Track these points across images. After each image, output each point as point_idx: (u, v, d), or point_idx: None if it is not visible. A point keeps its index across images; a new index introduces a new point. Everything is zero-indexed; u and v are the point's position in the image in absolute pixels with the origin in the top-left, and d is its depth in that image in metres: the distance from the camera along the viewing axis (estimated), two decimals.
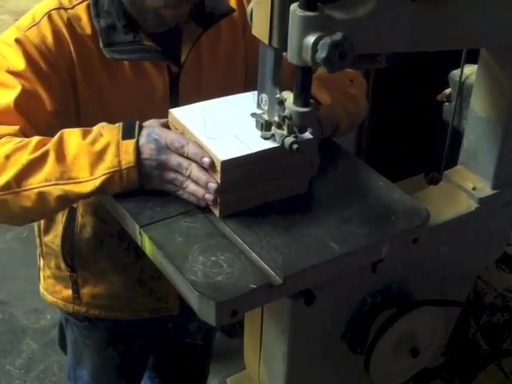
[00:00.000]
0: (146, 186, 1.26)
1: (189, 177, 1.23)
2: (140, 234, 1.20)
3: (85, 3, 1.46)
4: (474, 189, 1.42)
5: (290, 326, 1.24)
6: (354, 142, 3.13)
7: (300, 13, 1.02)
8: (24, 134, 1.34)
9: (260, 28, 1.10)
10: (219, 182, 1.19)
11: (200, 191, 1.22)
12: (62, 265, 1.66)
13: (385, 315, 1.32)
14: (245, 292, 1.06)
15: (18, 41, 1.41)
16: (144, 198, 1.25)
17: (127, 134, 1.26)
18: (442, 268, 1.42)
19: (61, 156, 1.25)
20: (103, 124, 1.30)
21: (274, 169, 1.23)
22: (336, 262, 1.15)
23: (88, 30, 1.45)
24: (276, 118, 1.20)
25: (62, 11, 1.44)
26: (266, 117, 1.22)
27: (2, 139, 1.31)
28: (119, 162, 1.23)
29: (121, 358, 1.91)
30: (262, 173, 1.22)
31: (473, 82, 1.44)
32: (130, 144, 1.24)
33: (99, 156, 1.24)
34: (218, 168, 1.18)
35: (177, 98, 1.53)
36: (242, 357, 1.44)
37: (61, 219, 1.61)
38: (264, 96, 1.21)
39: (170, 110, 1.30)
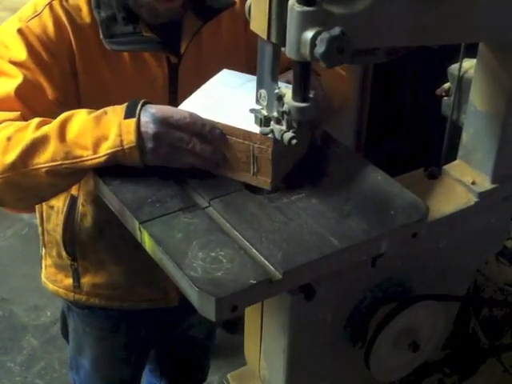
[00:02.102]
0: (147, 162, 1.28)
1: (190, 149, 1.26)
2: (139, 230, 1.20)
3: None
4: (473, 183, 1.42)
5: (290, 321, 1.24)
6: (354, 136, 3.13)
7: (298, 8, 1.02)
8: (24, 119, 1.36)
9: (258, 23, 1.10)
10: (271, 158, 1.23)
11: (198, 161, 1.27)
12: (63, 253, 1.69)
13: (385, 310, 1.32)
14: (244, 287, 1.06)
15: (20, 31, 1.43)
16: (143, 194, 1.25)
17: (129, 113, 1.27)
18: (441, 262, 1.43)
19: (63, 135, 1.28)
20: (110, 107, 1.32)
21: (302, 132, 1.25)
22: (336, 256, 1.15)
23: (88, 21, 1.46)
24: (275, 114, 1.19)
25: (64, 1, 1.46)
26: (264, 112, 1.22)
27: (3, 124, 1.34)
28: (121, 141, 1.25)
29: (121, 348, 1.93)
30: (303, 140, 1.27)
31: (472, 76, 1.44)
32: (131, 123, 1.26)
33: (102, 134, 1.27)
34: (271, 146, 1.22)
35: (176, 89, 1.54)
36: (243, 353, 1.44)
37: (62, 208, 1.63)
38: (263, 91, 1.21)
39: (185, 101, 1.33)
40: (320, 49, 1.00)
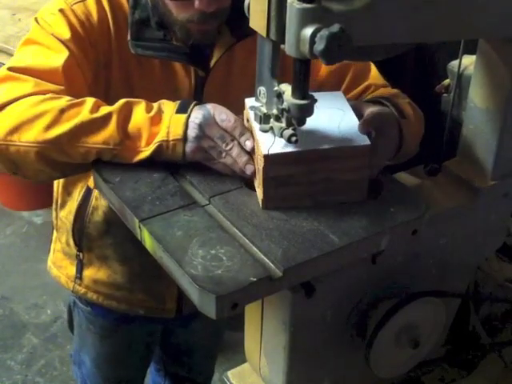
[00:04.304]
0: (188, 154, 1.27)
1: (228, 151, 1.25)
2: (139, 227, 1.20)
3: None
4: (472, 180, 1.42)
5: (291, 318, 1.24)
6: None
7: (297, 5, 1.02)
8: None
9: (257, 20, 1.10)
10: (262, 176, 1.19)
11: (236, 166, 1.25)
12: (71, 242, 1.69)
13: (385, 307, 1.32)
14: (245, 285, 1.06)
15: (62, 11, 1.42)
16: (143, 192, 1.25)
17: (182, 109, 1.29)
18: (441, 259, 1.43)
19: (124, 122, 1.27)
20: (164, 100, 1.32)
21: (323, 170, 1.22)
22: (336, 254, 1.15)
23: (127, 18, 1.46)
24: (274, 111, 1.19)
25: None
26: (264, 109, 1.21)
27: (49, 94, 1.32)
28: (168, 133, 1.26)
29: (121, 349, 1.93)
30: (311, 173, 1.21)
31: (471, 72, 1.43)
32: (181, 118, 1.27)
33: (156, 131, 1.27)
34: (262, 162, 1.18)
35: (201, 101, 1.51)
36: (243, 350, 1.44)
37: (77, 197, 1.64)
38: (262, 89, 1.21)
39: (246, 99, 1.30)
40: (319, 46, 1.00)
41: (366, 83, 1.56)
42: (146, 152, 1.27)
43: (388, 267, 1.32)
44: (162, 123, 1.27)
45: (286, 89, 1.15)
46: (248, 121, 1.28)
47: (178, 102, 1.31)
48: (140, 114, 1.29)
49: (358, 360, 1.35)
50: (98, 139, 1.27)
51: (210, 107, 1.28)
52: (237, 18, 1.44)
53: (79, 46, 1.41)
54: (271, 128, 1.20)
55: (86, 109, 1.28)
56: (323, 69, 1.55)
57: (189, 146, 1.27)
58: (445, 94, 1.73)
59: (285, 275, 1.10)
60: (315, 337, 1.31)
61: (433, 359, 1.60)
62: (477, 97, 1.40)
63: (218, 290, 1.05)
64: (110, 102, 1.35)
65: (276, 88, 1.17)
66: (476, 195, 1.41)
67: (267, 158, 1.18)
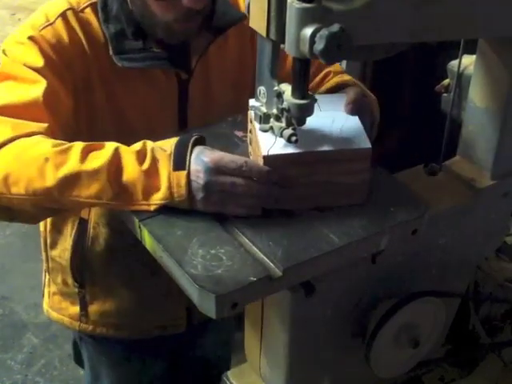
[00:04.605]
0: (198, 209, 1.20)
1: (245, 193, 1.18)
2: (139, 227, 1.20)
3: (91, 6, 1.43)
4: (473, 179, 1.42)
5: (291, 318, 1.24)
6: None
7: (297, 5, 1.02)
8: (52, 132, 1.29)
9: (257, 20, 1.10)
10: None
11: (256, 201, 1.19)
12: (70, 280, 1.63)
13: (385, 306, 1.32)
14: (244, 285, 1.06)
15: (32, 39, 1.37)
16: None
17: (179, 163, 1.19)
18: (441, 259, 1.43)
19: (116, 177, 1.19)
20: (154, 146, 1.23)
21: (323, 172, 1.21)
22: (335, 253, 1.15)
23: (99, 34, 1.43)
24: (274, 111, 1.19)
25: (78, 12, 1.42)
26: (264, 109, 1.21)
27: (35, 137, 1.25)
28: (171, 193, 1.19)
29: (137, 375, 1.87)
30: (311, 175, 1.21)
31: (471, 72, 1.43)
32: (181, 177, 1.18)
33: (154, 185, 1.20)
34: (261, 163, 1.18)
35: (186, 105, 1.51)
36: (244, 349, 1.44)
37: (70, 232, 1.58)
38: (262, 88, 1.21)
39: (250, 100, 1.27)
40: (319, 45, 1.00)
41: (326, 70, 1.59)
42: (147, 207, 1.20)
43: (388, 267, 1.32)
44: (161, 181, 1.19)
45: (286, 88, 1.15)
46: (251, 121, 1.28)
47: (172, 152, 1.21)
48: (132, 167, 1.20)
49: (358, 360, 1.35)
50: (89, 193, 1.20)
51: (208, 160, 1.18)
52: (209, 14, 1.45)
53: (55, 72, 1.36)
54: (271, 128, 1.20)
55: (73, 158, 1.20)
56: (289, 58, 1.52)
57: (200, 207, 1.20)
58: (445, 94, 1.73)
59: (284, 275, 1.10)
60: (315, 337, 1.31)
61: (433, 359, 1.60)
62: (477, 97, 1.40)
63: (217, 290, 1.05)
64: (96, 127, 1.31)
65: (276, 88, 1.17)
66: (476, 195, 1.41)
67: (266, 158, 1.18)
